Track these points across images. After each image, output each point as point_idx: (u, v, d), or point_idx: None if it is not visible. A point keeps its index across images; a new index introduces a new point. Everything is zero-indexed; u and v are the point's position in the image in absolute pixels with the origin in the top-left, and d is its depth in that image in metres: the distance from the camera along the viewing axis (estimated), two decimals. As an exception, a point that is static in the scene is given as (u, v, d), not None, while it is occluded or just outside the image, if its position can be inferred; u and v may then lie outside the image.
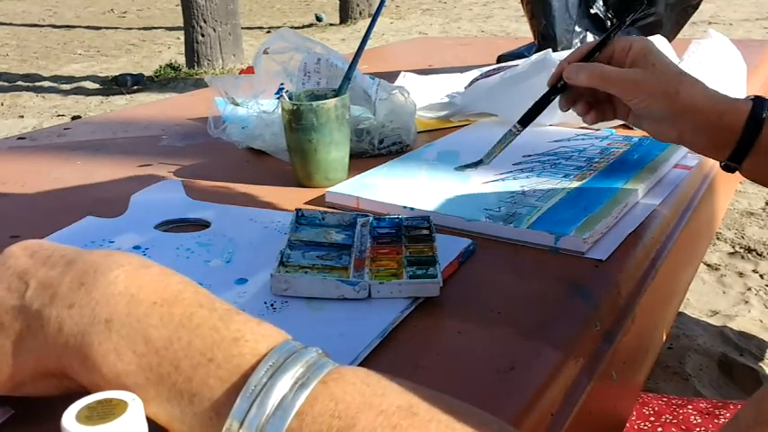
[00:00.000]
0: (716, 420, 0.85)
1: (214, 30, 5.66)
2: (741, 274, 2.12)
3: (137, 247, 0.65)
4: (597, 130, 0.94)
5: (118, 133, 1.11)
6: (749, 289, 2.03)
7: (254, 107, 0.92)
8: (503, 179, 0.78)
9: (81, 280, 0.35)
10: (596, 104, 0.74)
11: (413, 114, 0.92)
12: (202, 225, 0.70)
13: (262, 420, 0.30)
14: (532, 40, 1.39)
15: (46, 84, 5.61)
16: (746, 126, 0.65)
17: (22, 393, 0.37)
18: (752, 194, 2.68)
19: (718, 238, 2.34)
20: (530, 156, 0.85)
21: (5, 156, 1.03)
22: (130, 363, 0.33)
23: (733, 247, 2.28)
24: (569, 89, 0.73)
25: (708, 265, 2.17)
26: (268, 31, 7.77)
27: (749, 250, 2.26)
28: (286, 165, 0.84)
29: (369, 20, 0.89)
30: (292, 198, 0.77)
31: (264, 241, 0.65)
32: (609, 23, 1.30)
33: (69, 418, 0.30)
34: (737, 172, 0.68)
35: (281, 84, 0.91)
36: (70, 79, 5.71)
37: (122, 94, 5.10)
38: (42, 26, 9.01)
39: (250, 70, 0.96)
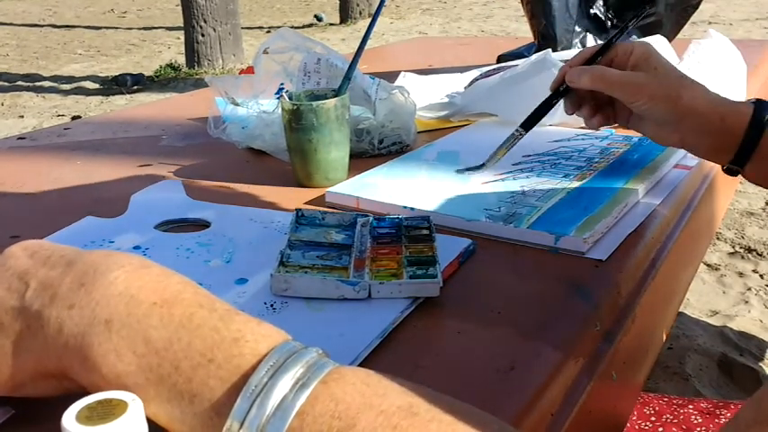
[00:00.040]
0: (717, 420, 0.85)
1: (214, 30, 5.66)
2: (741, 274, 2.12)
3: (137, 247, 0.65)
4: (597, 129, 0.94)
5: (118, 133, 1.11)
6: (749, 289, 2.03)
7: (254, 107, 0.92)
8: (503, 179, 0.78)
9: (81, 280, 0.35)
10: (599, 108, 0.74)
11: (413, 114, 0.92)
12: (202, 225, 0.70)
13: (262, 420, 0.30)
14: (532, 40, 1.39)
15: (46, 84, 5.61)
16: (749, 129, 0.65)
17: (22, 394, 0.37)
18: (752, 194, 2.68)
19: (718, 238, 2.34)
20: (530, 156, 0.85)
21: (5, 156, 1.03)
22: (130, 363, 0.33)
23: (733, 247, 2.28)
24: (572, 92, 0.73)
25: (708, 265, 2.17)
26: (268, 31, 7.78)
27: (749, 250, 2.26)
28: (286, 165, 0.84)
29: (369, 20, 0.89)
30: (292, 198, 0.77)
31: (264, 241, 0.65)
32: (609, 24, 1.30)
33: (69, 418, 0.30)
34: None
35: (281, 84, 0.91)
36: (70, 79, 5.71)
37: (122, 94, 5.10)
38: (42, 26, 9.01)
39: (250, 70, 0.96)
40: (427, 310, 0.53)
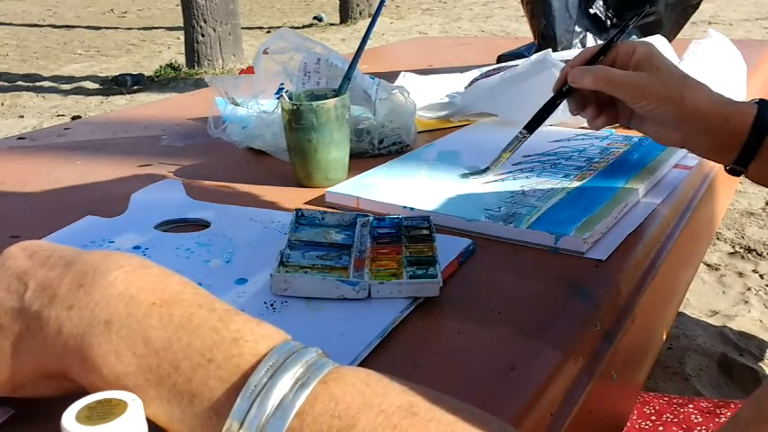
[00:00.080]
0: (717, 419, 0.85)
1: (214, 30, 5.66)
2: (741, 274, 2.12)
3: (136, 247, 0.65)
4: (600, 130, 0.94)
5: (118, 133, 1.11)
6: (749, 289, 2.03)
7: (254, 107, 0.92)
8: (503, 179, 0.78)
9: (80, 281, 0.35)
10: (601, 108, 0.74)
11: (413, 114, 0.92)
12: (202, 225, 0.70)
13: (262, 420, 0.30)
14: (532, 40, 1.39)
15: (46, 84, 5.61)
16: (753, 129, 0.65)
17: (22, 395, 0.37)
18: (752, 194, 2.68)
19: (718, 238, 2.34)
20: (530, 156, 0.85)
21: (5, 156, 1.03)
22: (130, 364, 0.33)
23: (733, 247, 2.28)
24: (575, 93, 0.73)
25: (708, 265, 2.17)
26: (268, 31, 7.78)
27: (749, 250, 2.26)
28: (286, 165, 0.84)
29: (369, 20, 0.89)
30: (292, 198, 0.77)
31: (264, 241, 0.65)
32: (609, 23, 1.30)
33: (69, 418, 0.30)
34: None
35: (281, 84, 0.91)
36: (70, 79, 5.71)
37: (122, 94, 5.10)
38: (42, 26, 9.01)
39: (250, 70, 0.96)
40: (427, 310, 0.53)
